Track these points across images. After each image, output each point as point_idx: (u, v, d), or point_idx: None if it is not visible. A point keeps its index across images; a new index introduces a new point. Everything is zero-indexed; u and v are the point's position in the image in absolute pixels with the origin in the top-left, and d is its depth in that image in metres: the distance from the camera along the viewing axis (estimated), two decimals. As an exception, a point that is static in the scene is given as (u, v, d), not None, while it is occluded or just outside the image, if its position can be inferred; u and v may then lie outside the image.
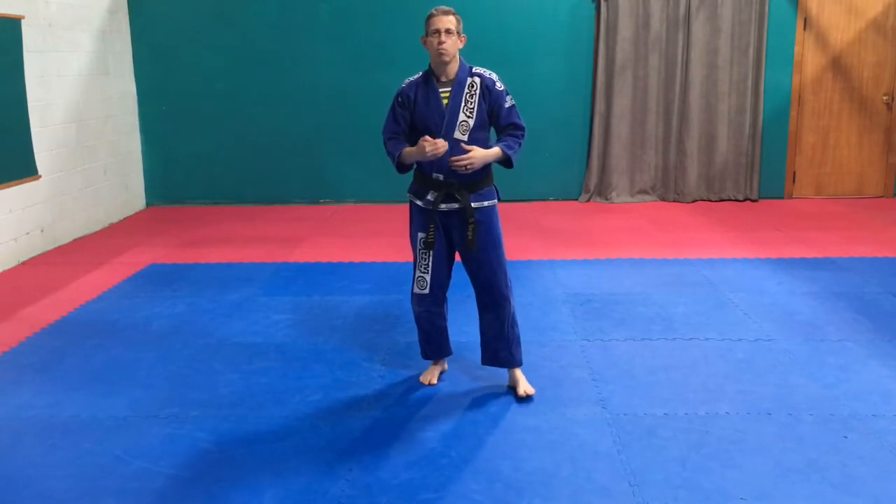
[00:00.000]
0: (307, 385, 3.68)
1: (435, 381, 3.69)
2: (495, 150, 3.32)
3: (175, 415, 3.39)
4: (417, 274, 3.51)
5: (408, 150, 3.36)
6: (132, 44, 7.74)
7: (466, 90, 3.33)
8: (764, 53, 7.66)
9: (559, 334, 4.28)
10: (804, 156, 7.96)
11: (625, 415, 3.33)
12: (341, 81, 7.80)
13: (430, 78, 3.39)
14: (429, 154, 3.21)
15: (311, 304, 4.84)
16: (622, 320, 4.47)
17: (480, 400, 3.51)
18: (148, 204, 8.05)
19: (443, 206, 3.38)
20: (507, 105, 3.36)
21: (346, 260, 5.85)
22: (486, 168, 3.40)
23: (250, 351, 4.10)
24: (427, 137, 3.23)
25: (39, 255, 6.09)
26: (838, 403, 3.41)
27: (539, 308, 4.67)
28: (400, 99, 3.43)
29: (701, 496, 2.73)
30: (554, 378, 3.71)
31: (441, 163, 3.29)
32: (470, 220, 3.35)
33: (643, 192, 7.98)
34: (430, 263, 3.46)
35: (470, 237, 3.35)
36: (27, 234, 5.97)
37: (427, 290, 3.49)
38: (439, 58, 3.32)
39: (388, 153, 3.47)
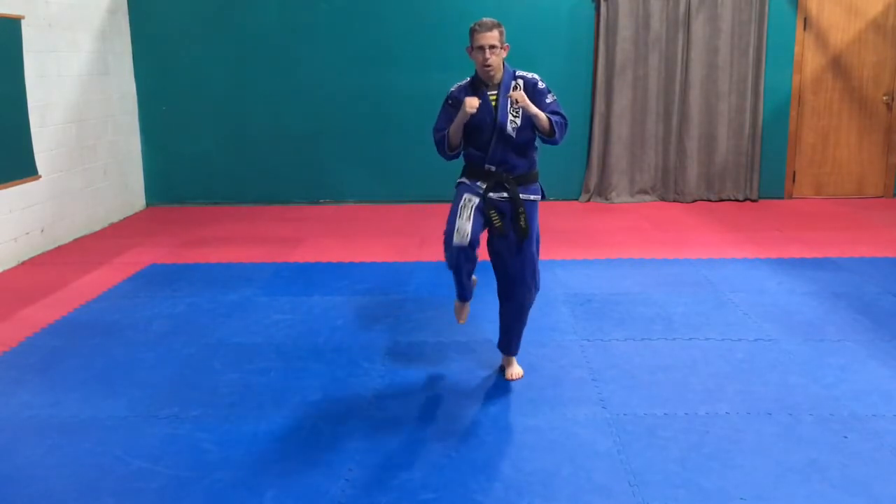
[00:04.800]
0: (307, 385, 3.68)
1: (463, 320, 3.80)
2: (543, 114, 3.44)
3: (175, 415, 3.39)
4: (458, 225, 3.38)
5: (455, 122, 3.47)
6: (132, 44, 7.74)
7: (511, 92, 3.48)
8: (764, 53, 7.66)
9: (559, 334, 4.28)
10: (804, 156, 7.96)
11: (625, 415, 3.33)
12: (341, 81, 7.80)
13: (478, 83, 3.54)
14: (467, 108, 3.36)
15: (311, 304, 4.84)
16: (622, 320, 4.47)
17: (481, 400, 3.51)
18: (148, 204, 8.05)
19: (492, 195, 3.51)
20: (548, 101, 3.52)
21: (346, 260, 5.85)
22: (533, 164, 3.59)
23: (250, 351, 4.10)
24: (467, 97, 3.41)
25: (39, 255, 6.09)
26: (838, 403, 3.41)
27: (539, 308, 4.65)
28: (451, 101, 3.57)
29: (701, 496, 2.73)
30: (554, 378, 3.71)
31: (495, 157, 3.49)
32: (520, 209, 3.49)
33: (643, 192, 7.98)
34: (473, 215, 3.41)
35: (523, 225, 3.49)
36: (27, 234, 5.97)
37: (467, 241, 3.37)
38: (485, 72, 3.48)
39: (437, 142, 3.58)
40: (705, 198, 7.94)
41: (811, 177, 8.00)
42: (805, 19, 7.70)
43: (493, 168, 3.53)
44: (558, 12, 7.68)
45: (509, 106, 3.47)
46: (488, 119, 3.49)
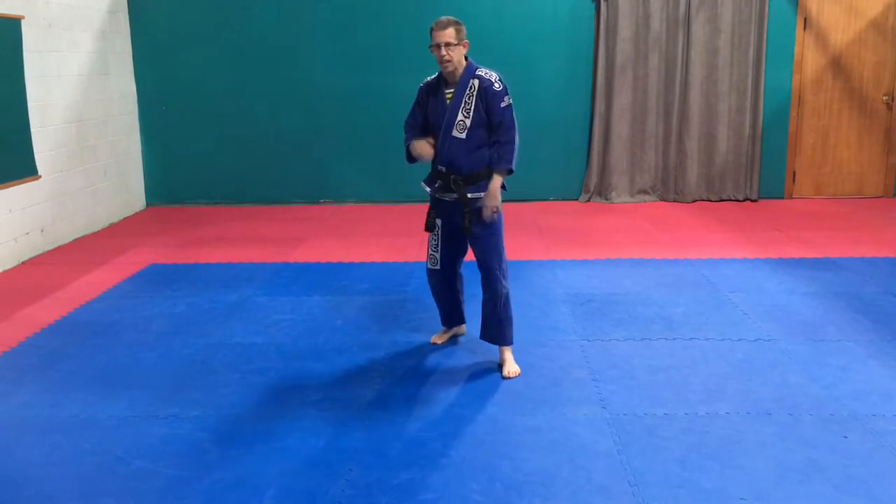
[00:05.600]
0: (307, 385, 3.68)
1: (440, 342, 4.13)
2: (496, 178, 3.62)
3: (175, 415, 3.39)
4: (430, 252, 3.93)
5: (413, 142, 3.77)
6: (132, 44, 7.74)
7: (467, 91, 3.59)
8: (764, 53, 7.66)
9: (559, 334, 4.28)
10: (804, 156, 7.96)
11: (625, 415, 3.33)
12: (341, 81, 7.80)
13: (441, 79, 3.72)
14: (414, 154, 3.71)
15: (311, 304, 4.84)
16: (622, 320, 4.47)
17: (480, 400, 3.51)
18: (148, 204, 8.05)
19: (444, 196, 3.75)
20: (502, 104, 3.60)
21: (346, 260, 5.85)
22: (482, 163, 3.67)
23: (250, 351, 4.10)
24: (415, 142, 3.71)
25: (39, 255, 6.09)
26: (838, 403, 3.41)
27: (539, 308, 4.67)
28: (418, 96, 3.81)
29: (701, 496, 2.73)
30: (554, 378, 3.71)
31: (443, 157, 3.68)
32: (466, 209, 3.66)
33: (643, 192, 7.98)
34: (440, 243, 3.87)
35: (466, 223, 3.68)
36: (27, 234, 5.97)
37: (438, 266, 3.91)
38: (442, 68, 3.63)
39: (405, 142, 3.82)
40: (705, 198, 7.94)
41: (811, 177, 8.00)
42: (805, 19, 7.70)
43: (443, 169, 3.70)
44: (558, 12, 7.68)
45: (461, 107, 3.60)
46: (440, 120, 3.65)
